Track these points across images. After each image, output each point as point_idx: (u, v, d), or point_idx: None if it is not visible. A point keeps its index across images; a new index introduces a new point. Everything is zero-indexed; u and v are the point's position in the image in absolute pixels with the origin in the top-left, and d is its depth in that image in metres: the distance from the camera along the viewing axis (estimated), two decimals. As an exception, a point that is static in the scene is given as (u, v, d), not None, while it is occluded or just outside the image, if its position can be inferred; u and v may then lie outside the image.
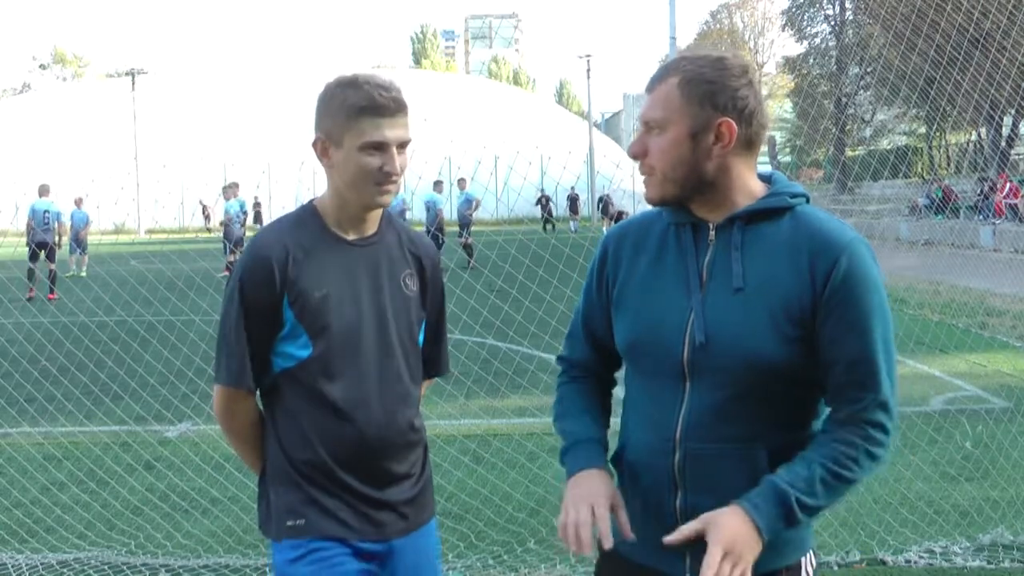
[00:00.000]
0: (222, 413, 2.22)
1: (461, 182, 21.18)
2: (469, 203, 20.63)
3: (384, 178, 2.10)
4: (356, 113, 2.07)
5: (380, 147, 2.09)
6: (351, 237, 2.20)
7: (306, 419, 2.15)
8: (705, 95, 1.76)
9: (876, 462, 1.76)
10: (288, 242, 2.14)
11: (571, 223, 34.00)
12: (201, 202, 39.08)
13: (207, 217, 38.65)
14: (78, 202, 20.63)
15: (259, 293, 2.11)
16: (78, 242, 20.10)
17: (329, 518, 2.15)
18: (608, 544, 1.78)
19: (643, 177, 1.85)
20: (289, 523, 2.15)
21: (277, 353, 2.16)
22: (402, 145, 2.13)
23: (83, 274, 19.57)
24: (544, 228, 27.21)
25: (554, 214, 33.49)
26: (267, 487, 2.23)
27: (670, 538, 1.71)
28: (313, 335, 2.13)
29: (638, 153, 1.83)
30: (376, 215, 2.23)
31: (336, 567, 2.14)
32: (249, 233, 18.62)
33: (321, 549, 2.14)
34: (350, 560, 2.16)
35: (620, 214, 29.71)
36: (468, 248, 18.72)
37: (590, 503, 1.78)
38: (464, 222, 19.96)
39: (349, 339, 2.15)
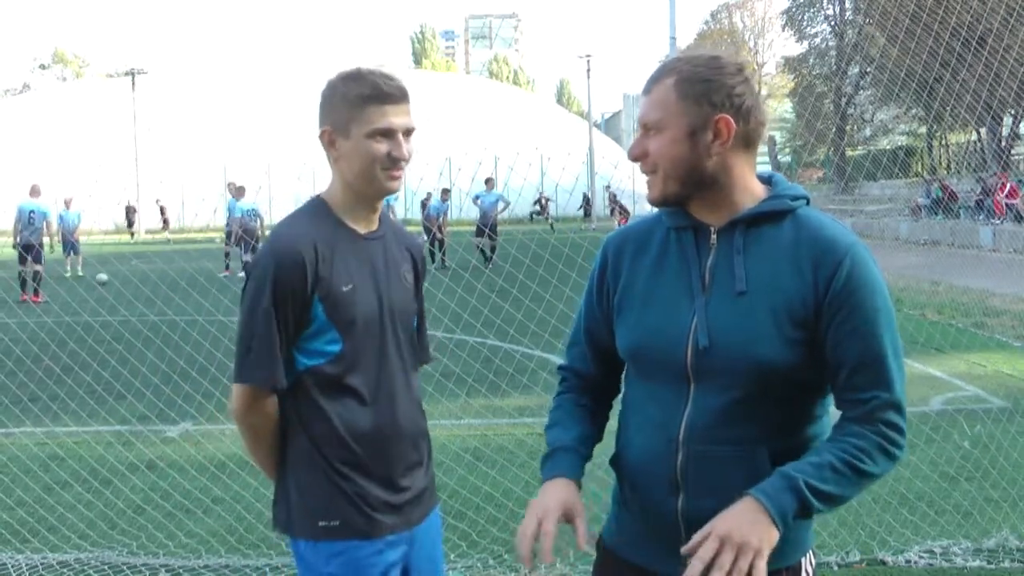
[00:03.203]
0: (245, 413, 2.18)
1: (489, 182, 21.15)
2: (496, 204, 20.57)
3: (392, 164, 2.17)
4: (362, 102, 2.13)
5: (387, 134, 2.15)
6: (362, 231, 2.24)
7: (337, 414, 2.16)
8: (701, 93, 1.76)
9: (892, 460, 1.76)
10: (315, 238, 2.16)
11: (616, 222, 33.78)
12: (158, 202, 39.24)
13: (165, 221, 38.91)
14: (68, 203, 20.08)
15: (292, 290, 2.11)
16: (70, 243, 19.62)
17: (363, 516, 2.17)
18: (547, 559, 1.75)
19: (646, 178, 1.85)
20: (322, 523, 2.16)
21: (302, 350, 2.16)
22: (407, 132, 2.19)
23: (80, 273, 19.49)
24: (531, 220, 27.31)
25: (552, 214, 33.54)
26: (289, 486, 2.22)
27: (686, 548, 1.66)
28: (342, 330, 2.15)
29: (638, 156, 1.84)
30: (378, 209, 2.29)
31: (372, 568, 2.18)
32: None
33: (355, 549, 2.17)
34: (382, 556, 2.20)
35: (624, 212, 29.74)
36: (493, 249, 18.65)
37: (539, 516, 1.80)
38: (491, 223, 19.82)
39: (371, 331, 2.19)
